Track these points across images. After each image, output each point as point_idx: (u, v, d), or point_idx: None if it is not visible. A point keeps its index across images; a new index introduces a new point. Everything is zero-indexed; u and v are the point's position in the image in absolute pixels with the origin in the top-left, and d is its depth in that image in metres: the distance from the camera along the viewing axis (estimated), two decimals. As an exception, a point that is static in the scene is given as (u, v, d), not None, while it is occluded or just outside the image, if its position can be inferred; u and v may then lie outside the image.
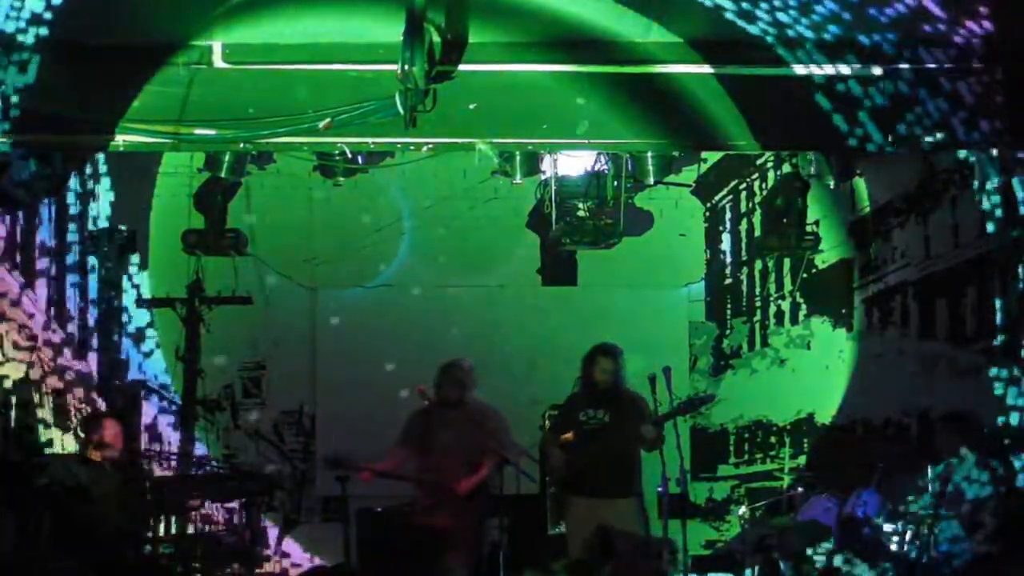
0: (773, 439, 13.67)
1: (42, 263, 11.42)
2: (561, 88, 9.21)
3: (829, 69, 9.17)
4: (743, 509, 11.53)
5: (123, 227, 12.74)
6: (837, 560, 9.52)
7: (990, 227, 10.16)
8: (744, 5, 9.02)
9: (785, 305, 13.98)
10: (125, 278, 12.96)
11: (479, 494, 9.68)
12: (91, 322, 12.48)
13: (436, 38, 8.56)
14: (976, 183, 10.28)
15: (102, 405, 12.00)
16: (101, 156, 12.02)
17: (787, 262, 13.68)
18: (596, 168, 12.01)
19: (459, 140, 9.40)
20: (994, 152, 9.72)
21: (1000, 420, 9.95)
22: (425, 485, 9.73)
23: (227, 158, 10.77)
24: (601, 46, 9.20)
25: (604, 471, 9.43)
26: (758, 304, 14.33)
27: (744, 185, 14.26)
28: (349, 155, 10.77)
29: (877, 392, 12.46)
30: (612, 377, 9.57)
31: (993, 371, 10.17)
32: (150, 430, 12.74)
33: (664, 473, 9.06)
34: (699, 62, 9.18)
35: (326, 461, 10.00)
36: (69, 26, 8.75)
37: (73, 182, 11.93)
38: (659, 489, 9.11)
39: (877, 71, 9.19)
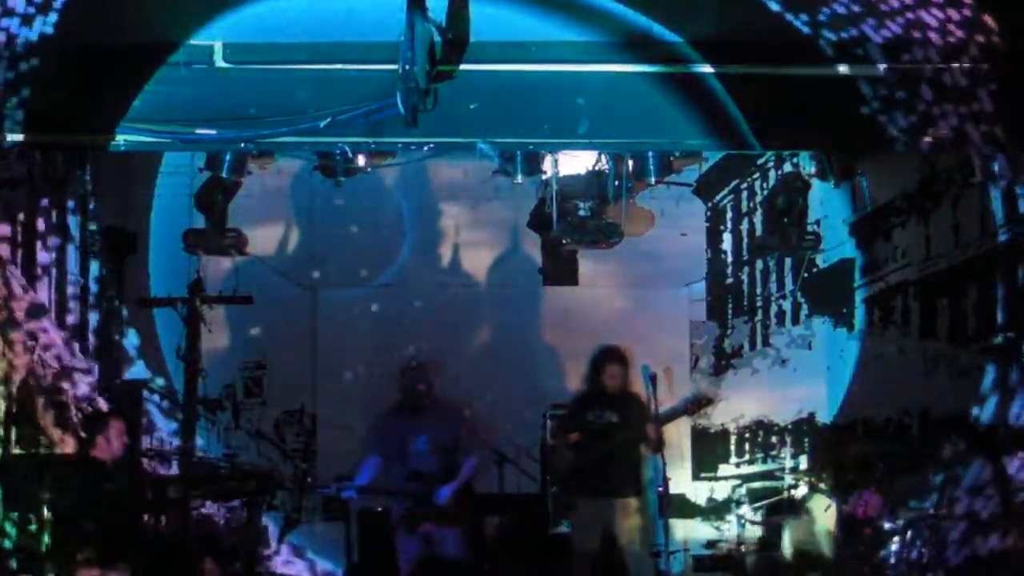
0: (774, 439, 13.66)
1: (43, 262, 11.39)
2: (561, 88, 9.20)
3: (831, 69, 9.17)
4: (744, 508, 11.53)
5: (123, 227, 12.71)
6: None
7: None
8: (746, 5, 9.01)
9: (786, 305, 13.96)
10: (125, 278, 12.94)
11: (464, 497, 9.66)
12: (92, 322, 12.46)
13: (437, 37, 8.55)
14: (977, 183, 10.28)
15: (103, 405, 11.98)
16: (102, 156, 12.00)
17: (788, 262, 13.66)
18: (597, 168, 11.99)
19: (460, 140, 9.40)
20: (995, 152, 9.71)
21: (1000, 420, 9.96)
22: (406, 495, 9.72)
23: (228, 158, 10.76)
24: (602, 46, 9.19)
25: (611, 471, 9.45)
26: (759, 304, 14.32)
27: (745, 184, 14.25)
28: (350, 154, 10.76)
29: (878, 392, 12.44)
30: (622, 382, 9.59)
31: (993, 370, 10.18)
32: (151, 430, 12.72)
33: (665, 473, 9.07)
34: (700, 62, 9.18)
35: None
36: (70, 26, 8.74)
37: (74, 182, 11.91)
38: (659, 489, 9.13)
39: (879, 70, 9.18)
